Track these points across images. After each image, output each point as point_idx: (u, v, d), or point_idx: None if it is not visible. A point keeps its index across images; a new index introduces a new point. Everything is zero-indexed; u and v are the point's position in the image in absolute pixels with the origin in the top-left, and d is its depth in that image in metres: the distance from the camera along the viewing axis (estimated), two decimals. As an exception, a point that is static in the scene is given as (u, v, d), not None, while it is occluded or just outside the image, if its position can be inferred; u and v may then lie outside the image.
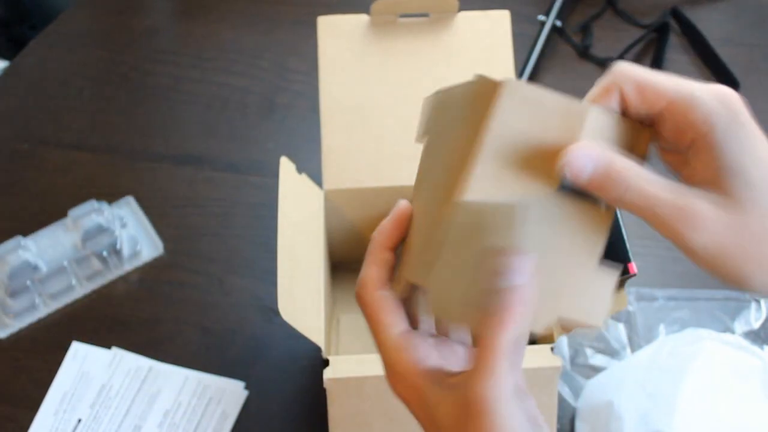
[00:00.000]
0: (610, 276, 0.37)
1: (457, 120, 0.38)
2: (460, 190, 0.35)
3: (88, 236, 0.80)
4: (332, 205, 0.69)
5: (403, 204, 0.40)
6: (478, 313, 0.35)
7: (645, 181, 0.34)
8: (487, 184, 0.35)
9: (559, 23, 1.00)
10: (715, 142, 0.34)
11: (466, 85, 0.37)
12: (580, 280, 0.36)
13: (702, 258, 0.34)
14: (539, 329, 0.36)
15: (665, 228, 0.34)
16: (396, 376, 0.38)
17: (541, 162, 0.35)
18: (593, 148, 0.35)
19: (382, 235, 0.40)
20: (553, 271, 0.36)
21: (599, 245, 0.37)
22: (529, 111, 0.35)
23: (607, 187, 0.34)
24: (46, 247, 0.81)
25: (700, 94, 0.35)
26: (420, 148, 0.40)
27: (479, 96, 0.36)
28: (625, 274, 0.61)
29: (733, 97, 0.35)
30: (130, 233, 0.82)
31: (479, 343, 0.35)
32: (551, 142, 0.35)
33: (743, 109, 0.36)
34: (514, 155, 0.35)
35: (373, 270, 0.40)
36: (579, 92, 0.38)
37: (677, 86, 0.36)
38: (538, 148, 0.35)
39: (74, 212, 0.82)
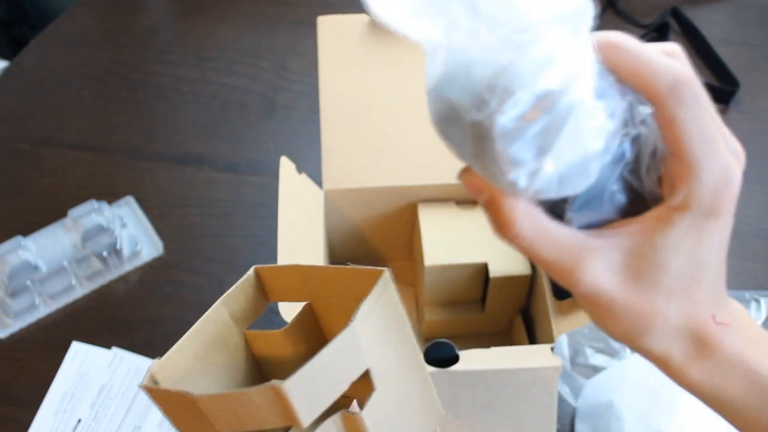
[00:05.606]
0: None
1: None
2: None
3: (88, 236, 0.80)
4: (332, 205, 0.69)
5: None
6: None
7: (538, 227, 0.33)
8: None
9: (559, 23, 1.00)
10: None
11: None
12: None
13: (585, 308, 0.34)
14: None
15: (554, 277, 0.34)
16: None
17: None
18: (485, 184, 0.33)
19: None
20: None
21: None
22: None
23: (497, 224, 0.33)
24: (46, 247, 0.81)
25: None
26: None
27: None
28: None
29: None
30: (130, 233, 0.82)
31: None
32: None
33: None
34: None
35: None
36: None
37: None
38: None
39: (74, 212, 0.82)
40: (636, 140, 0.33)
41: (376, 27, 0.71)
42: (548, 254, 0.33)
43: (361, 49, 0.70)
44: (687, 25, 1.02)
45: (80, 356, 0.75)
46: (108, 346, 0.76)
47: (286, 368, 0.39)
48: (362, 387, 0.36)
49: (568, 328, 0.61)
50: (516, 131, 0.29)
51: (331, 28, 0.71)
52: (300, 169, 0.66)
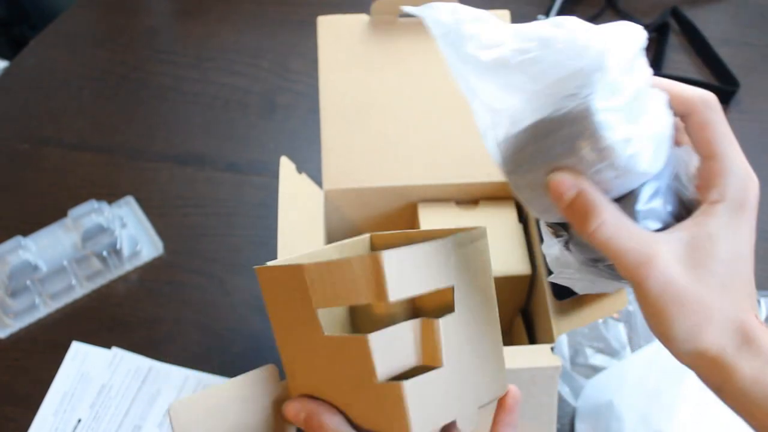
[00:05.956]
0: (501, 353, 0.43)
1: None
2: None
3: (88, 236, 0.80)
4: (332, 205, 0.69)
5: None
6: None
7: (618, 220, 0.36)
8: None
9: (559, 23, 1.00)
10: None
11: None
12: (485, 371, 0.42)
13: (653, 303, 0.36)
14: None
15: (626, 270, 0.36)
16: None
17: None
18: (575, 176, 0.36)
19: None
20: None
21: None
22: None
23: (581, 217, 0.37)
24: (46, 247, 0.81)
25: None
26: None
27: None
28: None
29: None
30: (130, 233, 0.82)
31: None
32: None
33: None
34: None
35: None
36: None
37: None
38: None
39: (74, 212, 0.82)
40: (672, 154, 0.38)
41: (376, 27, 0.71)
42: (624, 245, 0.36)
43: (361, 49, 0.70)
44: (687, 25, 1.02)
45: (80, 356, 0.75)
46: (108, 346, 0.76)
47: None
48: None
49: (568, 328, 0.61)
50: (610, 106, 0.35)
51: (331, 28, 0.71)
52: (300, 169, 0.66)
